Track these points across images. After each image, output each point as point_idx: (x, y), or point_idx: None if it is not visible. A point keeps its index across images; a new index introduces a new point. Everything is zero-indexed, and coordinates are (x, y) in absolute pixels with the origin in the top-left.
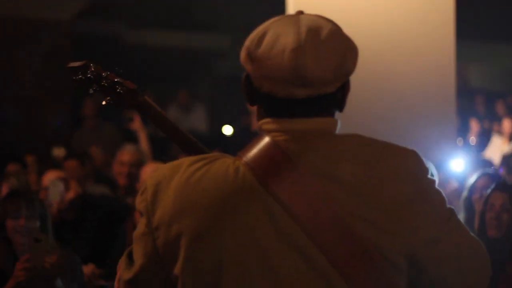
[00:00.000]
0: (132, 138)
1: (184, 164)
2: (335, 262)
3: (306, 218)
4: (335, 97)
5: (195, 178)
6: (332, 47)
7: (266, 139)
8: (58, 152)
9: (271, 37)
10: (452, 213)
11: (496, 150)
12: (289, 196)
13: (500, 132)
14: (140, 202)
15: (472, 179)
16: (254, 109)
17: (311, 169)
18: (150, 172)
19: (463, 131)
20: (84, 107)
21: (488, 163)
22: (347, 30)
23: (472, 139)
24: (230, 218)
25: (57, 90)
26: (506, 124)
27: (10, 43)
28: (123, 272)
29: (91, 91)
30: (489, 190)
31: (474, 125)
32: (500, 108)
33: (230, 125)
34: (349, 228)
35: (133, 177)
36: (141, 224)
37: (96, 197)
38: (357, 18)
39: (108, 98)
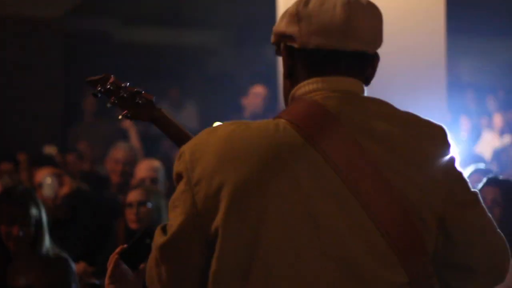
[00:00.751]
0: (123, 135)
1: (222, 126)
2: (373, 214)
3: (346, 170)
4: (368, 66)
5: (236, 132)
6: (373, 11)
7: (303, 99)
8: (50, 150)
9: None
10: (476, 192)
11: (487, 145)
12: (329, 147)
13: (490, 127)
14: (178, 165)
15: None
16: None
17: (349, 124)
18: (144, 169)
19: (454, 126)
20: (84, 102)
21: (479, 158)
22: None
23: (463, 134)
24: (274, 168)
25: (49, 88)
26: (496, 119)
27: (1, 41)
28: (158, 239)
29: (108, 105)
30: (480, 185)
31: (465, 121)
32: (490, 103)
33: (221, 121)
34: (386, 181)
35: (126, 175)
36: (180, 185)
37: (89, 194)
38: None
39: (126, 111)
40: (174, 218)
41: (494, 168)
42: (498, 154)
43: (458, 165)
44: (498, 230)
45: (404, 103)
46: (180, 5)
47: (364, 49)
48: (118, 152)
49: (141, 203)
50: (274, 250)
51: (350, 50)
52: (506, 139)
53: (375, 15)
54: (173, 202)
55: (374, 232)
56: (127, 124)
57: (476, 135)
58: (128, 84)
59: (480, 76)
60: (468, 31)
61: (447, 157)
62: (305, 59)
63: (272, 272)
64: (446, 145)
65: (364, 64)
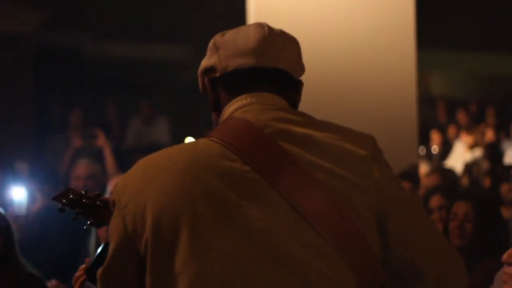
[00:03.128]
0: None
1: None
2: (302, 209)
3: (268, 170)
4: (292, 89)
5: (160, 152)
6: (287, 39)
7: (226, 119)
8: (21, 166)
9: (234, 29)
10: (408, 192)
11: (458, 158)
12: (249, 152)
13: (461, 140)
14: (112, 195)
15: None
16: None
17: (268, 129)
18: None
19: (425, 139)
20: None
21: (450, 171)
22: (307, 40)
23: (434, 147)
24: (192, 177)
25: (20, 103)
26: (468, 131)
27: None
28: (98, 272)
29: (73, 216)
30: (451, 199)
31: (436, 135)
32: (461, 116)
33: (193, 137)
34: (312, 178)
35: (89, 190)
36: (114, 212)
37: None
38: (317, 28)
39: (91, 218)
40: (110, 246)
41: (466, 181)
42: (469, 168)
43: (391, 169)
44: (445, 238)
45: (375, 117)
46: (151, 19)
47: (284, 68)
48: (79, 168)
49: None
50: (199, 254)
51: (269, 67)
52: (477, 152)
53: (290, 42)
54: (110, 231)
55: (308, 228)
56: (101, 142)
57: (447, 148)
58: (86, 191)
59: (451, 88)
60: (438, 44)
61: (378, 158)
62: (226, 84)
63: (200, 278)
64: (375, 148)
65: (287, 84)
